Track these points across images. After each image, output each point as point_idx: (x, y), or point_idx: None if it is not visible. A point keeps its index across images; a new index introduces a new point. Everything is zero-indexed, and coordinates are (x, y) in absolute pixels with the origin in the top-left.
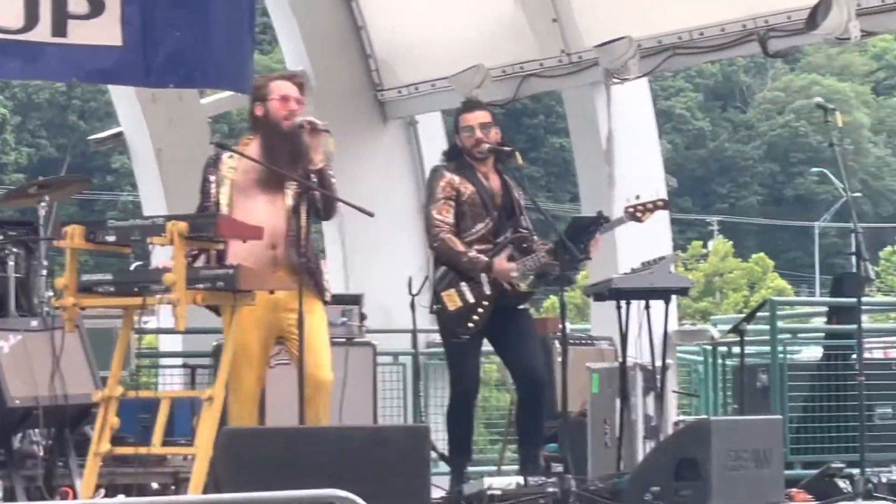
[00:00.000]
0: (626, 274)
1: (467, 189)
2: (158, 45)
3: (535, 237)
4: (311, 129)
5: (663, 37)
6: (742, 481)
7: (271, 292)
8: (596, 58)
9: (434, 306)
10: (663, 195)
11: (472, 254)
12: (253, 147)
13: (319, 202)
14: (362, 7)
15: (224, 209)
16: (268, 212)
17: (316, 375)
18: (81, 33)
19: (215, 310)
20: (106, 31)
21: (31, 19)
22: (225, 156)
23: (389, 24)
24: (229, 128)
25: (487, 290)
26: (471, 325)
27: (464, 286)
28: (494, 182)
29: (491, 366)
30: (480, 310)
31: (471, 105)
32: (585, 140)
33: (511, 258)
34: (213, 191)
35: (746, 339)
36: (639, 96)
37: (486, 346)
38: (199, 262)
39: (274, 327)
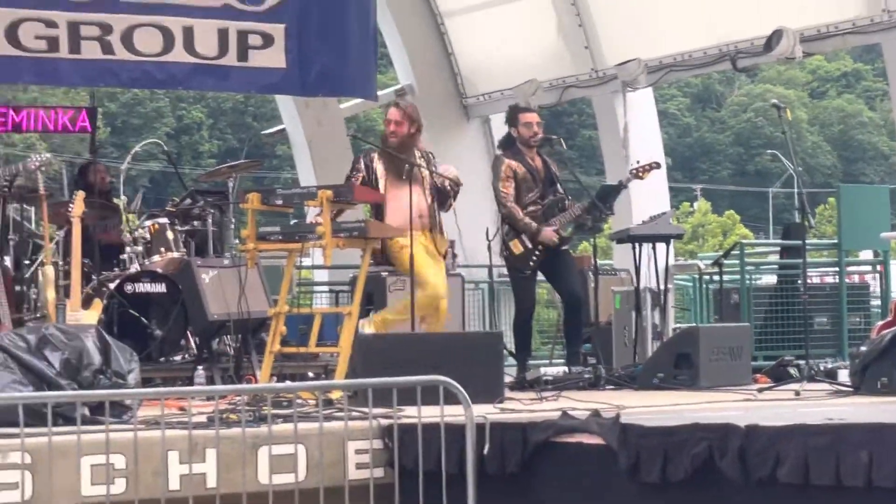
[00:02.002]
0: (638, 224)
1: (521, 169)
2: (310, 66)
3: (569, 198)
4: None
5: (663, 58)
6: (721, 369)
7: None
8: (615, 73)
9: (503, 252)
10: (657, 160)
11: (527, 220)
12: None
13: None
14: (452, 39)
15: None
16: (413, 195)
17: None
18: (257, 59)
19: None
20: (274, 58)
21: (223, 50)
22: (374, 154)
23: (470, 51)
24: (358, 125)
25: (530, 245)
26: (531, 263)
27: (524, 237)
28: (538, 162)
29: (542, 291)
30: (536, 253)
31: (528, 108)
32: (609, 131)
33: (553, 213)
34: (360, 174)
35: (723, 270)
36: (645, 100)
37: (539, 276)
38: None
39: None
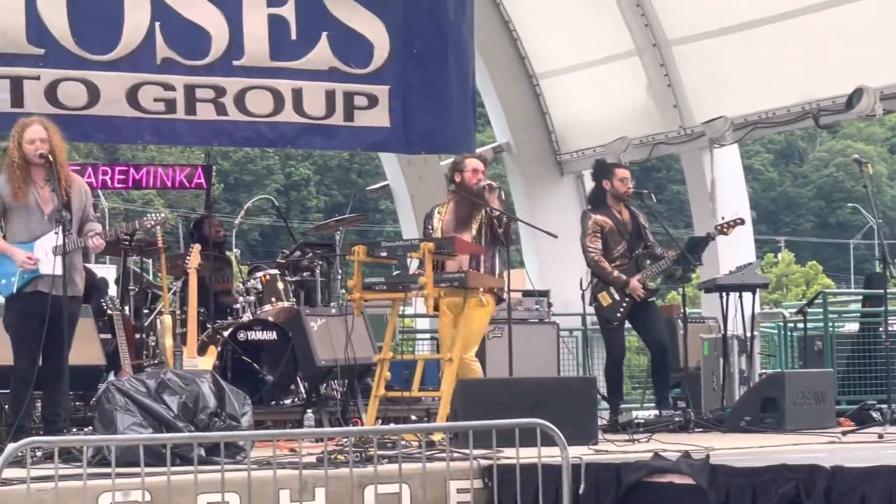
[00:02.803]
0: (725, 275)
1: (608, 224)
2: (413, 126)
3: (659, 249)
4: (490, 188)
5: (748, 116)
6: (806, 413)
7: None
8: (703, 131)
9: (593, 303)
10: (742, 216)
11: (616, 273)
12: (451, 203)
13: (501, 235)
14: (546, 98)
15: None
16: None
17: None
18: (363, 119)
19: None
20: (379, 117)
21: (330, 110)
22: (436, 211)
23: (564, 109)
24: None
25: (618, 297)
26: (618, 314)
27: (612, 289)
28: (625, 215)
29: (633, 338)
30: (624, 305)
31: (620, 163)
32: (696, 186)
33: (643, 266)
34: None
35: (807, 318)
36: (731, 156)
37: (628, 325)
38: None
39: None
